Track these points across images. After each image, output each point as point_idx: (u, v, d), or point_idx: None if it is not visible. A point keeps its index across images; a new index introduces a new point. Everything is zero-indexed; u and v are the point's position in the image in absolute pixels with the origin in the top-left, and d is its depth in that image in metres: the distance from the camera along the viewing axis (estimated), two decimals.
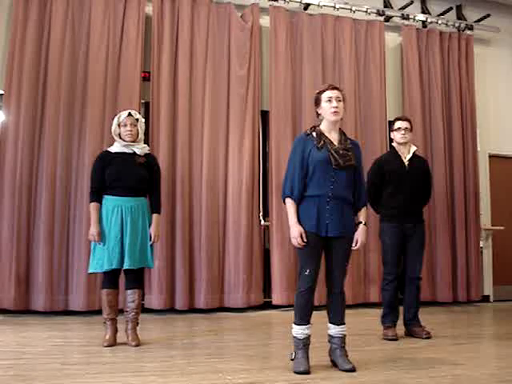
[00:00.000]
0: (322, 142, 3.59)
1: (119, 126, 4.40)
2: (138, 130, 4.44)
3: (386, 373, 3.50)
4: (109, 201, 4.30)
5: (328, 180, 3.55)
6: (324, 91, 3.67)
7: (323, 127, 3.68)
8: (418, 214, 4.92)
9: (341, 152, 3.57)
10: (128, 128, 4.37)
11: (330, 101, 3.62)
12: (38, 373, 3.37)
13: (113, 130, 4.42)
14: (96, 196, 4.34)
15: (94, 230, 4.24)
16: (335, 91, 3.65)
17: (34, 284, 5.76)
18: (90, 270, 4.34)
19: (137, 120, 4.44)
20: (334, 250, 3.59)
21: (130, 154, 4.40)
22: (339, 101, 3.64)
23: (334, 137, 3.65)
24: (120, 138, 4.40)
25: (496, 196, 7.94)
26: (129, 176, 4.32)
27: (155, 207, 4.52)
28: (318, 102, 3.70)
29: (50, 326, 5.16)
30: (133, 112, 4.48)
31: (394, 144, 5.02)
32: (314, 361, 3.56)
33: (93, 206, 4.32)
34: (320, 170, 3.55)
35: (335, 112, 3.60)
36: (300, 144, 3.65)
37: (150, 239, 4.39)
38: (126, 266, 4.23)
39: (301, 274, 3.55)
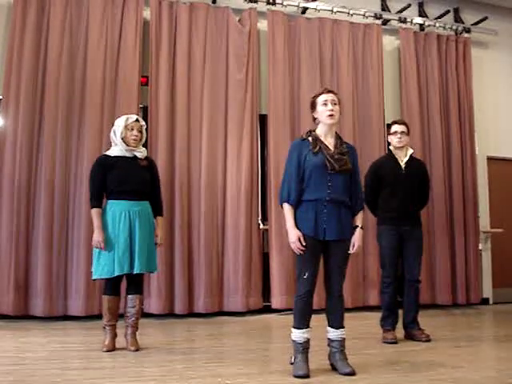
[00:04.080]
0: (318, 147, 3.60)
1: (125, 128, 4.36)
2: (141, 136, 4.44)
3: (385, 376, 3.50)
4: (115, 205, 4.26)
5: (324, 184, 3.56)
6: (319, 95, 3.69)
7: (319, 131, 3.69)
8: (415, 217, 4.92)
9: (336, 156, 3.58)
10: (135, 133, 4.36)
11: (325, 104, 3.64)
12: (38, 378, 3.37)
13: (118, 132, 4.34)
14: (98, 201, 4.29)
15: (99, 236, 4.18)
16: (330, 94, 3.67)
17: (33, 289, 5.75)
18: (96, 276, 4.26)
19: (141, 126, 4.45)
20: (332, 254, 3.59)
21: (130, 157, 4.38)
22: (335, 104, 3.66)
23: (329, 141, 3.66)
24: (123, 141, 4.37)
25: (494, 198, 7.94)
26: (134, 180, 4.31)
27: (159, 210, 4.53)
28: (313, 106, 3.72)
29: (49, 332, 5.15)
30: (140, 118, 4.49)
31: (390, 147, 5.03)
32: (313, 364, 3.56)
33: (96, 211, 4.26)
34: (316, 174, 3.56)
35: (331, 115, 3.61)
36: (296, 149, 3.66)
37: (156, 242, 4.39)
38: (136, 271, 4.19)
39: (299, 277, 3.55)
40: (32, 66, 6.00)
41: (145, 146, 5.97)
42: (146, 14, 6.53)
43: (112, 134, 4.42)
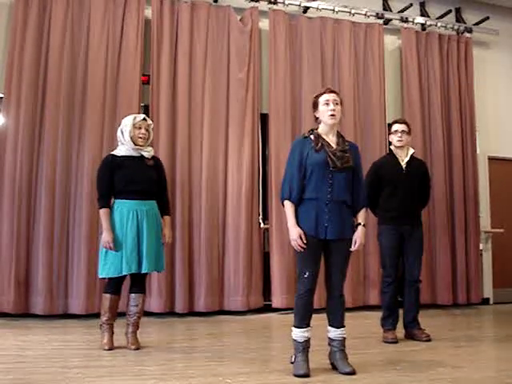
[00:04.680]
0: (320, 145, 3.60)
1: (133, 126, 4.35)
2: (149, 135, 4.44)
3: (385, 376, 3.50)
4: (123, 205, 4.25)
5: (326, 182, 3.56)
6: (321, 95, 3.70)
7: (321, 130, 3.70)
8: (415, 217, 4.91)
9: (338, 154, 3.58)
10: (143, 131, 4.36)
11: (327, 104, 3.65)
12: (38, 376, 3.37)
13: (127, 131, 4.32)
14: (106, 201, 4.28)
15: (108, 237, 4.16)
16: (332, 94, 3.68)
17: (33, 287, 5.75)
18: (103, 275, 4.25)
19: (149, 125, 4.46)
20: (333, 253, 3.59)
21: (138, 157, 4.37)
22: (336, 104, 3.66)
23: (331, 139, 3.67)
24: (131, 140, 4.35)
25: (495, 198, 7.94)
26: (142, 179, 4.30)
27: (166, 209, 4.53)
28: (315, 106, 3.73)
29: (49, 330, 5.15)
30: (147, 117, 4.49)
31: (391, 147, 5.03)
32: (313, 364, 3.56)
33: (104, 212, 4.24)
34: (318, 172, 3.56)
35: (332, 115, 3.62)
36: (298, 146, 3.67)
37: (164, 242, 4.40)
38: (144, 270, 4.20)
39: (300, 276, 3.56)
40: (33, 65, 6.00)
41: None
42: (148, 12, 6.53)
43: (119, 133, 4.41)
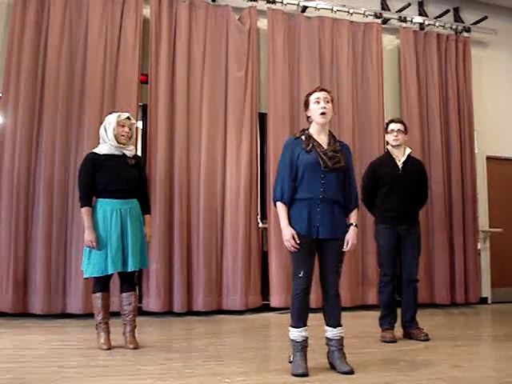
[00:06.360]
0: (311, 145, 3.60)
1: (117, 124, 4.34)
2: (131, 133, 4.44)
3: (384, 375, 3.50)
4: (106, 204, 4.24)
5: (318, 182, 3.56)
6: (312, 93, 3.71)
7: (312, 130, 3.70)
8: (412, 216, 4.91)
9: (329, 154, 3.58)
10: (126, 129, 4.35)
11: (318, 102, 3.64)
12: (36, 376, 3.37)
13: (111, 129, 4.30)
14: (88, 200, 4.26)
15: (91, 236, 4.15)
16: (323, 92, 3.68)
17: (31, 287, 5.74)
18: (87, 275, 4.23)
19: (132, 124, 4.46)
20: (327, 253, 3.59)
21: (120, 155, 4.35)
22: (327, 102, 3.66)
23: (322, 139, 3.66)
24: (115, 137, 4.33)
25: (493, 198, 7.95)
26: (124, 178, 4.29)
27: (147, 208, 4.52)
28: (307, 105, 3.73)
29: (47, 329, 5.15)
30: (131, 116, 4.50)
31: (388, 147, 5.02)
32: (312, 363, 3.56)
33: (86, 211, 4.22)
34: (309, 172, 3.56)
35: (323, 113, 3.61)
36: (289, 147, 3.67)
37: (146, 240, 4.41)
38: (131, 268, 4.20)
39: (294, 276, 3.56)
40: (32, 64, 5.99)
41: (144, 144, 5.99)
42: (146, 11, 6.52)
43: (102, 130, 4.38)
